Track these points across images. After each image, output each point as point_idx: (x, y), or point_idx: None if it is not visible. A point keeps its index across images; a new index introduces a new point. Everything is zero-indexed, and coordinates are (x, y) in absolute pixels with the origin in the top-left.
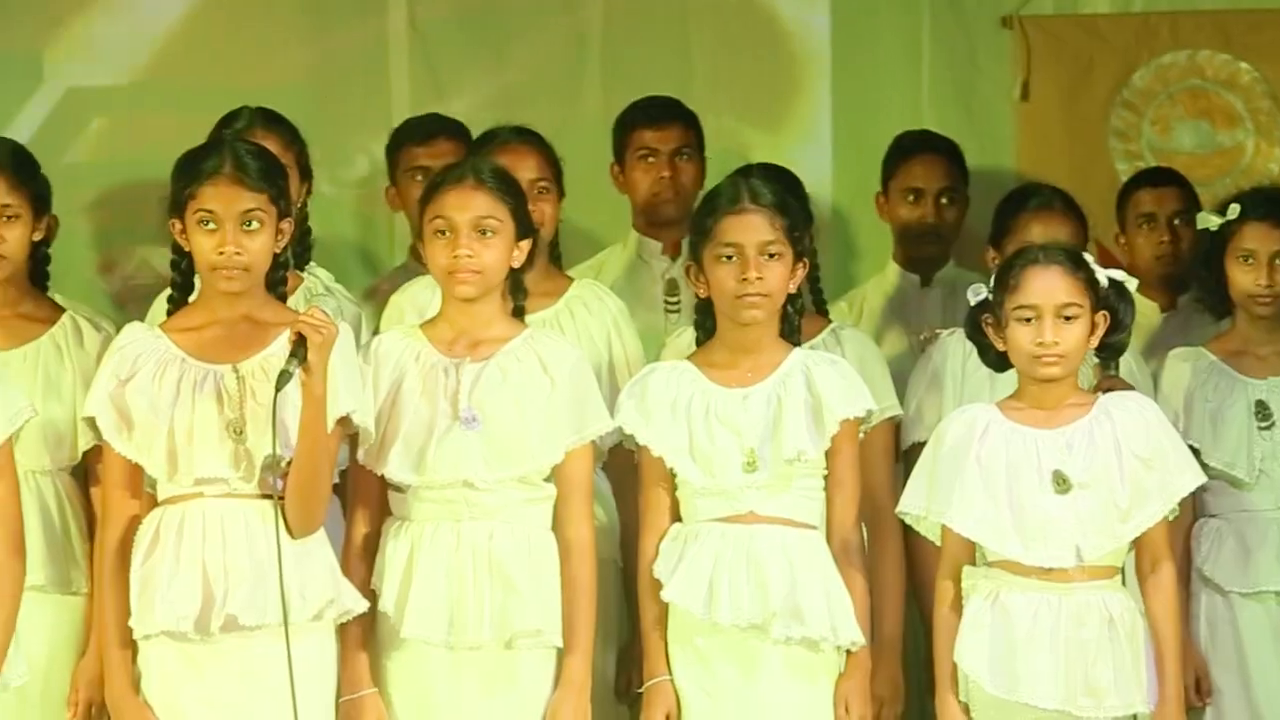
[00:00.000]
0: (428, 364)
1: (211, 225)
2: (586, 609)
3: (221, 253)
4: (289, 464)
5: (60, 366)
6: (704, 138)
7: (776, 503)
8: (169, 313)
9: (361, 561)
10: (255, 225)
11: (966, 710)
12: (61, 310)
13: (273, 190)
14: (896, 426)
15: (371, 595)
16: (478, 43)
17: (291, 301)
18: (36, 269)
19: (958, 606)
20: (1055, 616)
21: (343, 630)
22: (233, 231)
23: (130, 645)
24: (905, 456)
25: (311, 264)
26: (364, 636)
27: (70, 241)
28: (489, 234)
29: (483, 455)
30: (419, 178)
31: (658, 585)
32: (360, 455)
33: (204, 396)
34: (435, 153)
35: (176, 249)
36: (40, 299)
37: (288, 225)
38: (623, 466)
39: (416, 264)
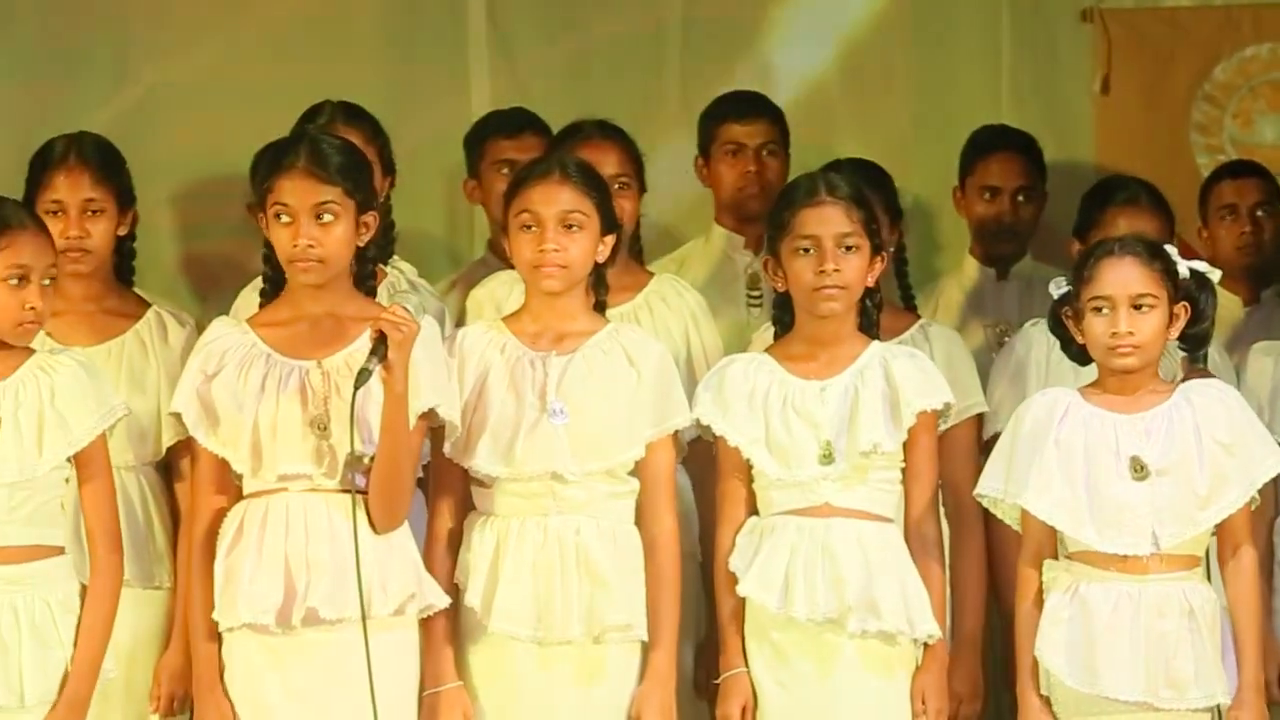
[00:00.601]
0: (513, 357)
1: (286, 218)
2: (671, 603)
3: (295, 245)
4: (371, 460)
5: (145, 362)
6: (789, 133)
7: (852, 495)
8: (261, 305)
9: (445, 555)
10: (329, 218)
11: (1049, 704)
12: (146, 305)
13: (349, 183)
14: (981, 423)
15: (454, 589)
16: (557, 37)
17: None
18: (121, 263)
19: (1039, 600)
20: (1134, 608)
21: (427, 624)
22: (306, 224)
23: (214, 638)
24: (987, 449)
25: (394, 258)
26: (449, 630)
27: (152, 236)
28: (575, 228)
29: (570, 448)
30: (504, 171)
31: (734, 579)
32: (447, 449)
33: (289, 392)
34: (522, 147)
35: (268, 243)
36: (125, 294)
37: (372, 219)
38: (702, 461)
39: (495, 258)
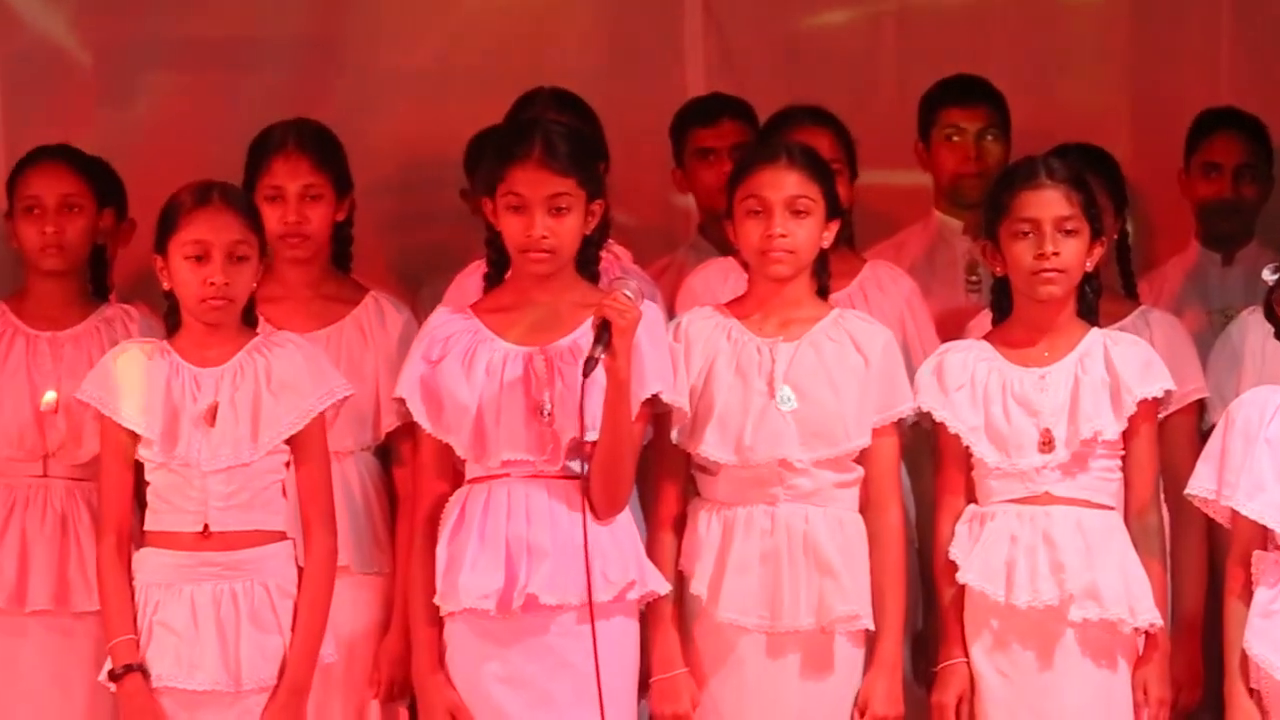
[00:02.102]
0: (740, 343)
1: (519, 208)
2: (896, 591)
3: (529, 235)
4: (593, 445)
5: (362, 347)
6: (1010, 119)
7: (1073, 483)
8: (485, 290)
9: (670, 542)
10: (563, 209)
11: (1259, 699)
12: (364, 291)
13: (582, 174)
14: (1202, 410)
15: (678, 576)
16: (771, 21)
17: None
18: (339, 250)
19: (1247, 594)
20: None
21: (652, 610)
22: (540, 215)
23: (435, 623)
24: (1209, 435)
25: (610, 242)
26: (675, 617)
27: (369, 222)
28: (801, 214)
29: (798, 435)
30: (705, 159)
31: (954, 567)
32: (674, 435)
33: (512, 378)
34: (721, 134)
35: (490, 228)
36: (343, 280)
37: (599, 207)
38: (919, 448)
39: (705, 243)
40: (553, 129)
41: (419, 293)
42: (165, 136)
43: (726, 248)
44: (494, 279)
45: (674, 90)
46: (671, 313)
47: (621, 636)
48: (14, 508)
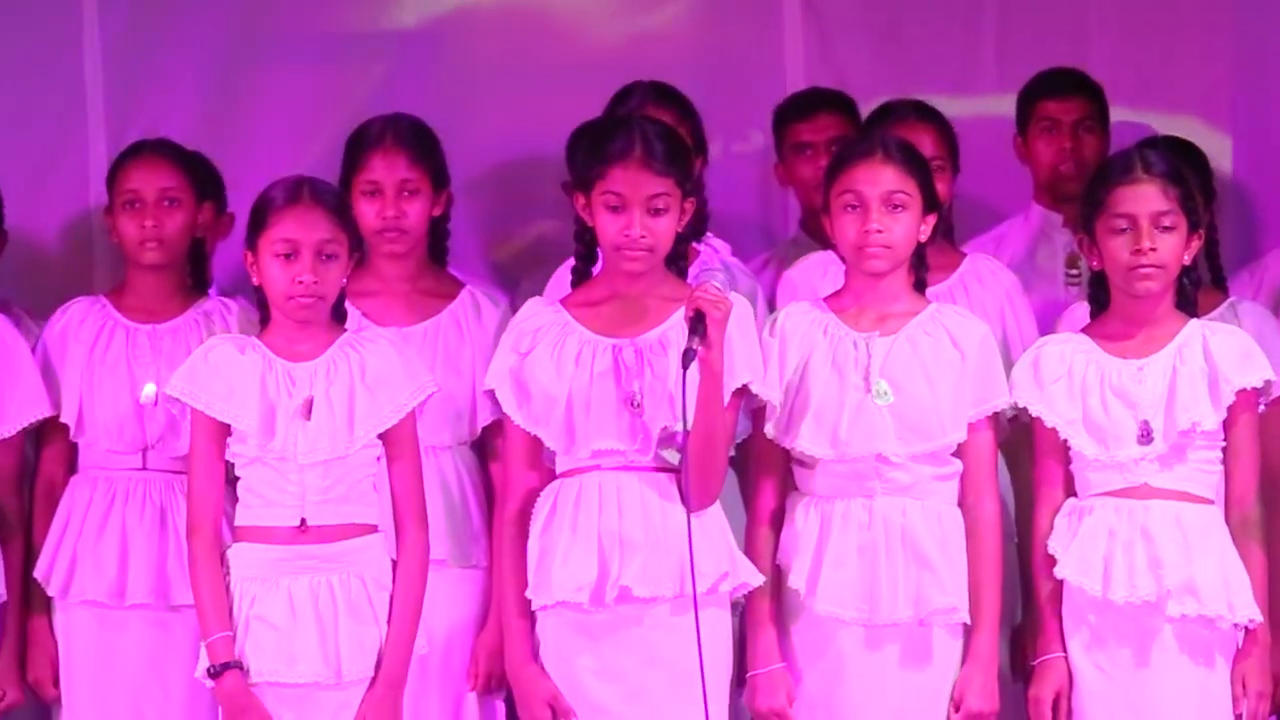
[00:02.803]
0: (836, 338)
1: (617, 206)
2: (992, 584)
3: (627, 235)
4: (687, 436)
5: (459, 342)
6: (1108, 111)
7: (1171, 476)
8: (573, 284)
9: (767, 536)
10: (661, 209)
11: None
12: (460, 285)
13: (680, 174)
14: None
15: (775, 570)
16: (872, 15)
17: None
18: (435, 244)
19: None
20: None
21: (750, 604)
22: (639, 215)
23: (527, 616)
24: None
25: (709, 235)
26: (771, 611)
27: (466, 217)
28: (898, 208)
29: (894, 430)
30: (803, 153)
31: (1051, 561)
32: (768, 429)
33: (602, 370)
34: (817, 127)
35: (579, 222)
36: (440, 274)
37: (690, 205)
38: (1018, 442)
39: (807, 237)
40: (651, 128)
41: (517, 287)
42: (266, 131)
43: (827, 242)
44: (581, 273)
45: (773, 83)
46: (772, 307)
47: (715, 629)
48: (114, 500)
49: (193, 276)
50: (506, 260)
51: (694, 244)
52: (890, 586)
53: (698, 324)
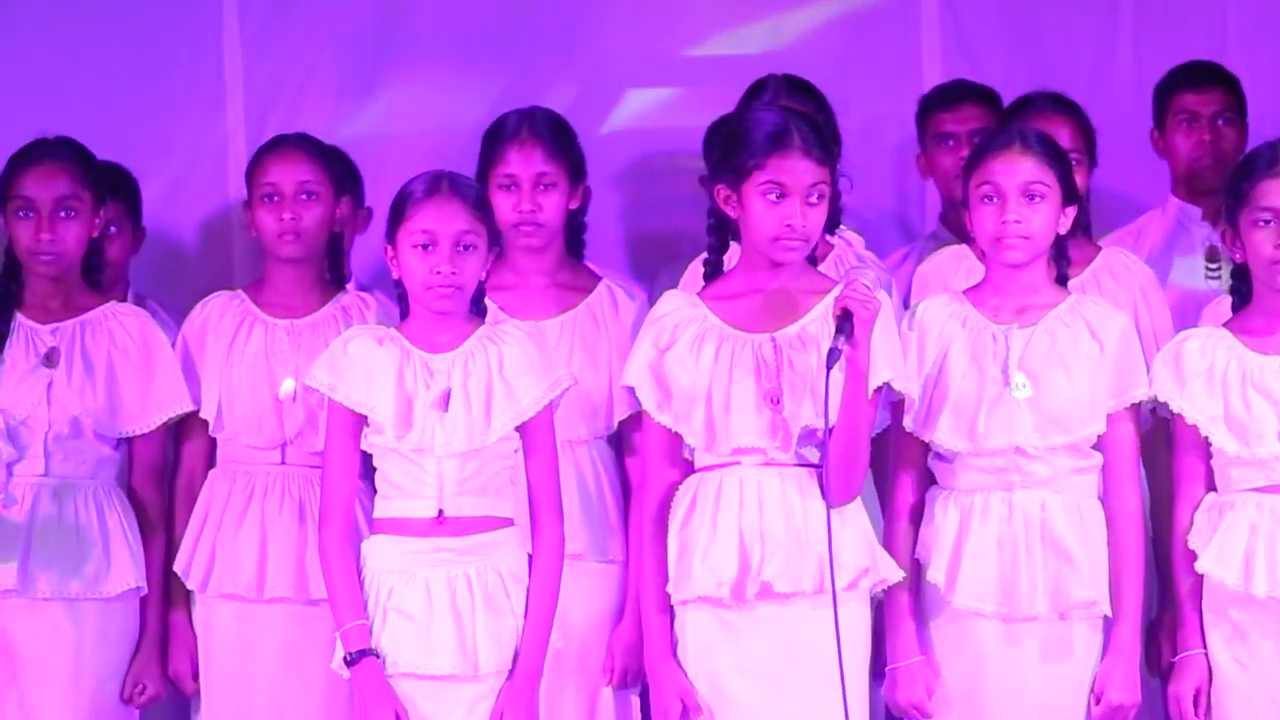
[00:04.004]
0: (975, 330)
1: (776, 196)
2: (1134, 578)
3: (789, 225)
4: (829, 433)
5: (596, 335)
6: (1246, 104)
7: None
8: (706, 276)
9: (906, 530)
10: (817, 199)
11: None
12: (597, 279)
13: (834, 164)
14: None
15: (914, 564)
16: (1008, 9)
17: (820, 268)
18: (573, 238)
19: None
20: None
21: (889, 598)
22: (799, 205)
23: (667, 611)
24: None
25: (843, 228)
26: (911, 605)
27: (602, 210)
28: (1037, 199)
29: (1033, 422)
30: (946, 144)
31: (1192, 556)
32: (907, 422)
33: (742, 366)
34: (961, 118)
35: (714, 213)
36: (577, 268)
37: (833, 196)
38: (1155, 435)
39: (946, 231)
40: (805, 119)
41: (655, 280)
42: (403, 126)
43: (966, 235)
44: (714, 266)
45: (909, 76)
46: (908, 301)
47: (854, 623)
48: (253, 495)
49: (330, 271)
50: (644, 253)
51: (828, 238)
52: (1030, 580)
53: (844, 323)
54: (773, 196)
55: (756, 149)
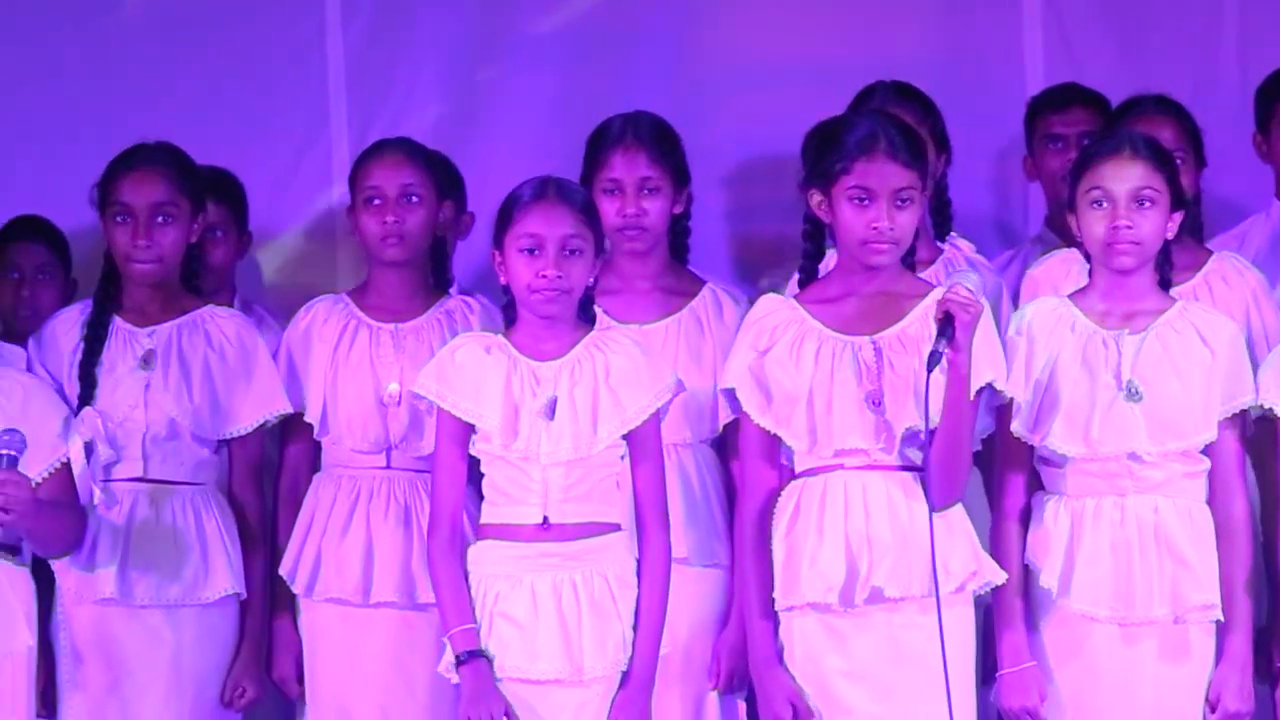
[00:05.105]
0: (1084, 336)
1: (864, 200)
2: (1245, 584)
3: (875, 228)
4: (931, 436)
5: (701, 339)
6: None
7: None
8: (801, 283)
9: (1016, 534)
10: (906, 202)
11: None
12: (702, 283)
13: (924, 167)
14: None
15: (1024, 569)
16: (1111, 13)
17: (929, 272)
18: (677, 242)
19: None
20: None
21: (999, 603)
22: (886, 208)
23: (770, 617)
24: None
25: (953, 234)
26: (1021, 610)
27: (705, 215)
28: (1146, 204)
29: (1146, 428)
30: (1054, 146)
31: None
32: (1014, 427)
33: (842, 368)
34: (1069, 121)
35: (810, 219)
36: (681, 271)
37: (925, 198)
38: (1261, 439)
39: (1052, 235)
40: (892, 122)
41: (757, 285)
42: (507, 131)
43: (1072, 238)
44: (808, 272)
45: (1012, 81)
46: (1015, 305)
47: (962, 627)
48: (358, 499)
49: (434, 275)
50: (748, 258)
51: (939, 243)
52: (1145, 584)
53: (946, 326)
54: (860, 200)
55: (843, 154)
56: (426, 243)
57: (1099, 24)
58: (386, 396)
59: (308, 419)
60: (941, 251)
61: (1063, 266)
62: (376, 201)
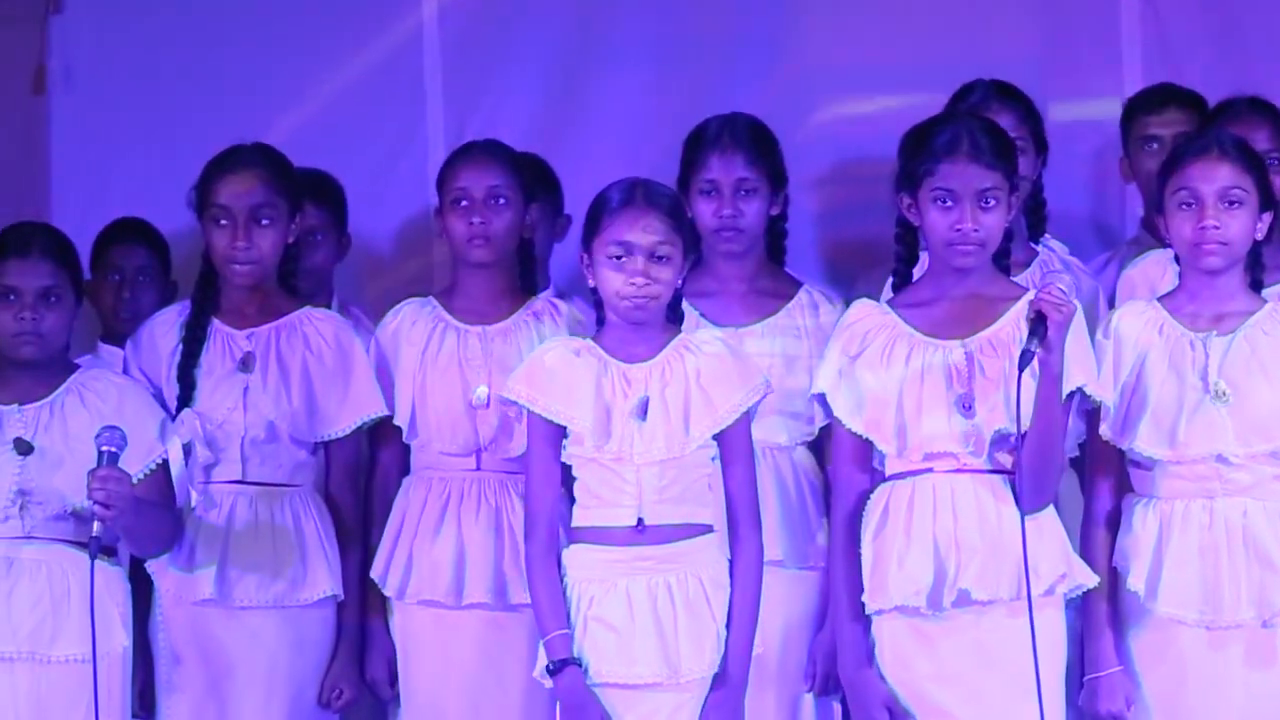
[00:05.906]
0: (1172, 338)
1: (948, 202)
2: None
3: (959, 229)
4: (1022, 439)
5: (796, 341)
6: None
7: None
8: (894, 286)
9: (1104, 537)
10: (992, 203)
11: None
12: (798, 284)
13: (1007, 167)
14: None
15: (1111, 572)
16: (1210, 15)
17: (1024, 275)
18: (773, 243)
19: None
20: None
21: (1087, 607)
22: (970, 208)
23: (859, 619)
24: None
25: (1047, 236)
26: (1109, 614)
27: (801, 217)
28: (1235, 205)
29: (1234, 430)
30: (1150, 147)
31: None
32: (1103, 430)
33: (933, 372)
34: (1165, 122)
35: (902, 222)
36: (778, 273)
37: (1015, 200)
38: None
39: (1148, 236)
40: (977, 123)
41: (852, 287)
42: (603, 133)
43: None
44: (901, 275)
45: (1110, 80)
46: (1112, 306)
47: (1051, 630)
48: (449, 502)
49: (522, 278)
50: (843, 259)
51: (1033, 245)
52: (1233, 587)
53: (1038, 326)
54: (943, 202)
55: (927, 156)
56: (514, 244)
57: (1198, 24)
58: (475, 399)
59: (397, 422)
60: (1036, 253)
61: (1158, 268)
62: (463, 203)
